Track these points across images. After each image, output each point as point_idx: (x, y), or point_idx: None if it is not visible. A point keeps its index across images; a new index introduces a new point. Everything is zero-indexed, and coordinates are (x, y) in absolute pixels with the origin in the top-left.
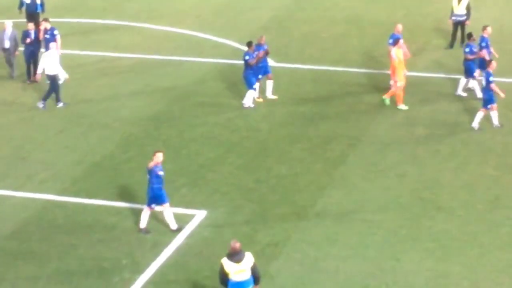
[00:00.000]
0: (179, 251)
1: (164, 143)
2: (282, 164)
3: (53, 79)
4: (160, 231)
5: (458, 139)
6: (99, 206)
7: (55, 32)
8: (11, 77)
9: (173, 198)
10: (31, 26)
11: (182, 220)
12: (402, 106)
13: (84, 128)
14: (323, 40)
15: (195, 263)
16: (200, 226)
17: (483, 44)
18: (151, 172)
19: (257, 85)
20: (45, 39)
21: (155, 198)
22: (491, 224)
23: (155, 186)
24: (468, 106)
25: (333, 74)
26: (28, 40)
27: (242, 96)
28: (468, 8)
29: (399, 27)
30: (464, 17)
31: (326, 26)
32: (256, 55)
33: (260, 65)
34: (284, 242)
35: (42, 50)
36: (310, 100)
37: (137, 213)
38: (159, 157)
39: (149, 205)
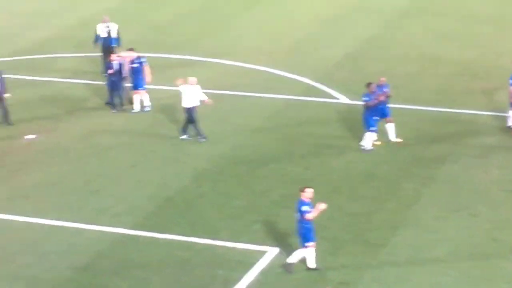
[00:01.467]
0: None
1: (237, 179)
2: (354, 202)
3: (189, 111)
4: (232, 267)
5: None
6: (172, 241)
7: (143, 59)
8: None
9: (245, 234)
10: (113, 57)
11: (254, 257)
12: None
13: (157, 162)
14: (396, 78)
15: None
16: (272, 263)
17: None
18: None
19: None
20: (132, 68)
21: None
22: None
23: (302, 222)
24: None
25: (405, 113)
26: (110, 71)
27: (313, 134)
28: None
29: None
30: None
31: (400, 64)
32: (377, 96)
33: (380, 107)
34: (355, 281)
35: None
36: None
37: (209, 248)
38: (309, 192)
39: (304, 244)
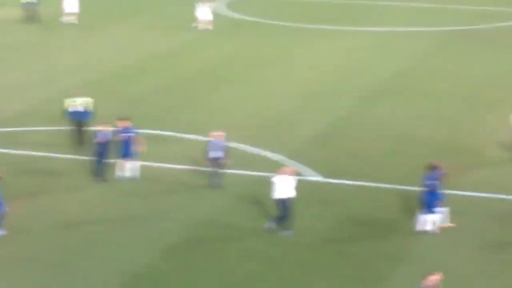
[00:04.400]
0: None
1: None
2: (323, 281)
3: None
4: None
5: (502, 259)
6: None
7: (134, 130)
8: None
9: None
10: (102, 126)
11: None
12: None
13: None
14: (369, 157)
15: None
16: None
17: None
18: None
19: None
20: (123, 137)
21: None
22: None
23: None
24: None
25: (376, 191)
26: (99, 140)
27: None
28: None
29: None
30: None
31: (374, 143)
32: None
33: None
34: None
35: None
36: (351, 215)
37: None
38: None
39: None
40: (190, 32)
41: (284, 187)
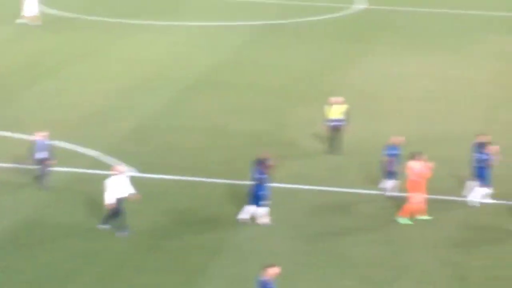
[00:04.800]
0: None
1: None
2: (142, 275)
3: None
4: None
5: (320, 250)
6: None
7: None
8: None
9: None
10: None
11: None
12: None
13: None
14: (185, 150)
15: None
16: None
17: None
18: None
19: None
20: None
21: None
22: None
23: None
24: (332, 220)
25: (194, 184)
26: None
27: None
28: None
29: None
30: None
31: (188, 135)
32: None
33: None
34: None
35: None
36: (170, 209)
37: None
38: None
39: None
40: (9, 26)
41: (117, 186)
